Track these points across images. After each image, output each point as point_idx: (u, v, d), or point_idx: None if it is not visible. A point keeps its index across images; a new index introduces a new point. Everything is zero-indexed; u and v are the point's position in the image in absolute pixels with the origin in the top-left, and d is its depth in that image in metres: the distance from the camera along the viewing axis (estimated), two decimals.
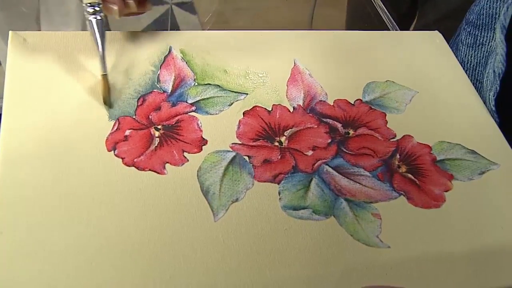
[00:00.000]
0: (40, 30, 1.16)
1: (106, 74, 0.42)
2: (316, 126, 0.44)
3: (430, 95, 0.49)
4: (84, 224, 0.35)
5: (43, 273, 0.33)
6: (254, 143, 0.42)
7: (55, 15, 1.21)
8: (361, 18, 0.99)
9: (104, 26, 0.42)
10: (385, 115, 0.46)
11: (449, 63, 0.52)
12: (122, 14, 0.42)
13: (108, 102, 0.42)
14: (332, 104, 0.46)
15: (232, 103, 0.44)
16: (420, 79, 0.50)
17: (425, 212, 0.40)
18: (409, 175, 0.42)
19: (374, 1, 0.72)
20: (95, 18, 0.41)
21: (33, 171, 0.37)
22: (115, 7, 0.42)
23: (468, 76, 0.52)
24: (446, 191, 0.42)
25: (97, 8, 0.41)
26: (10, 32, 0.45)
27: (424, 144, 0.45)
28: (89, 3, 0.41)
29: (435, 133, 0.46)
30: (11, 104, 0.41)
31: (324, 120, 0.45)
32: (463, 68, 0.57)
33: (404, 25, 1.05)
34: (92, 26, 0.41)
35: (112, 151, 0.39)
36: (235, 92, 0.45)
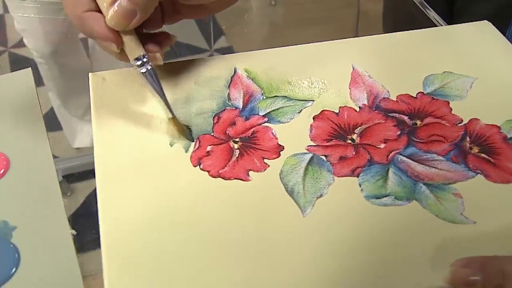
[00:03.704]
0: None
1: (173, 117, 0.44)
2: (384, 121, 0.46)
3: (490, 79, 0.50)
4: (182, 233, 0.38)
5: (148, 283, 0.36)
6: (328, 143, 0.44)
7: None
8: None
9: (156, 75, 0.43)
10: (448, 103, 0.48)
11: (504, 47, 0.53)
12: (163, 58, 0.45)
13: (189, 138, 0.44)
14: (395, 99, 0.48)
15: (301, 110, 0.47)
16: (477, 66, 0.51)
17: (506, 187, 0.41)
18: (483, 155, 0.43)
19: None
20: (146, 69, 0.43)
21: (129, 192, 0.40)
22: (158, 54, 0.44)
23: None
24: None
25: (144, 60, 0.43)
26: (90, 73, 0.49)
27: (492, 125, 0.46)
28: (135, 58, 0.43)
29: (501, 113, 0.46)
30: (101, 138, 0.44)
31: (391, 115, 0.46)
32: None
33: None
34: (146, 77, 0.43)
35: (198, 166, 0.42)
36: (302, 100, 0.48)
